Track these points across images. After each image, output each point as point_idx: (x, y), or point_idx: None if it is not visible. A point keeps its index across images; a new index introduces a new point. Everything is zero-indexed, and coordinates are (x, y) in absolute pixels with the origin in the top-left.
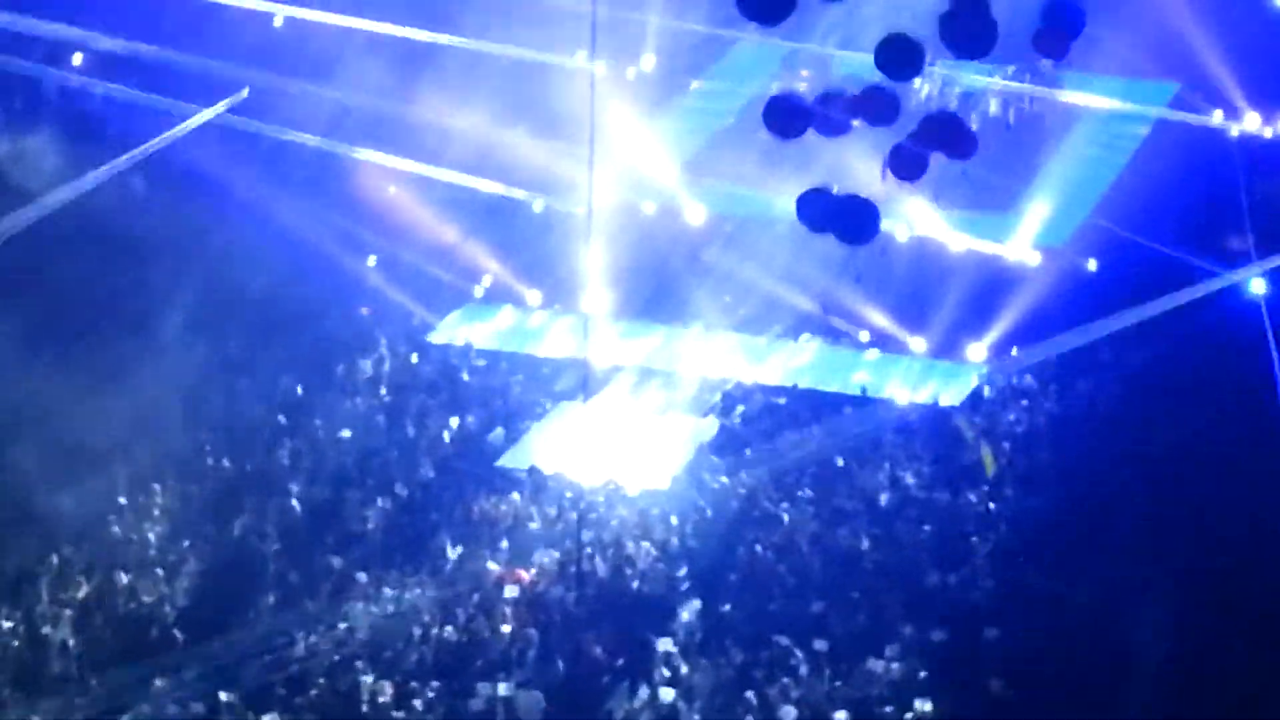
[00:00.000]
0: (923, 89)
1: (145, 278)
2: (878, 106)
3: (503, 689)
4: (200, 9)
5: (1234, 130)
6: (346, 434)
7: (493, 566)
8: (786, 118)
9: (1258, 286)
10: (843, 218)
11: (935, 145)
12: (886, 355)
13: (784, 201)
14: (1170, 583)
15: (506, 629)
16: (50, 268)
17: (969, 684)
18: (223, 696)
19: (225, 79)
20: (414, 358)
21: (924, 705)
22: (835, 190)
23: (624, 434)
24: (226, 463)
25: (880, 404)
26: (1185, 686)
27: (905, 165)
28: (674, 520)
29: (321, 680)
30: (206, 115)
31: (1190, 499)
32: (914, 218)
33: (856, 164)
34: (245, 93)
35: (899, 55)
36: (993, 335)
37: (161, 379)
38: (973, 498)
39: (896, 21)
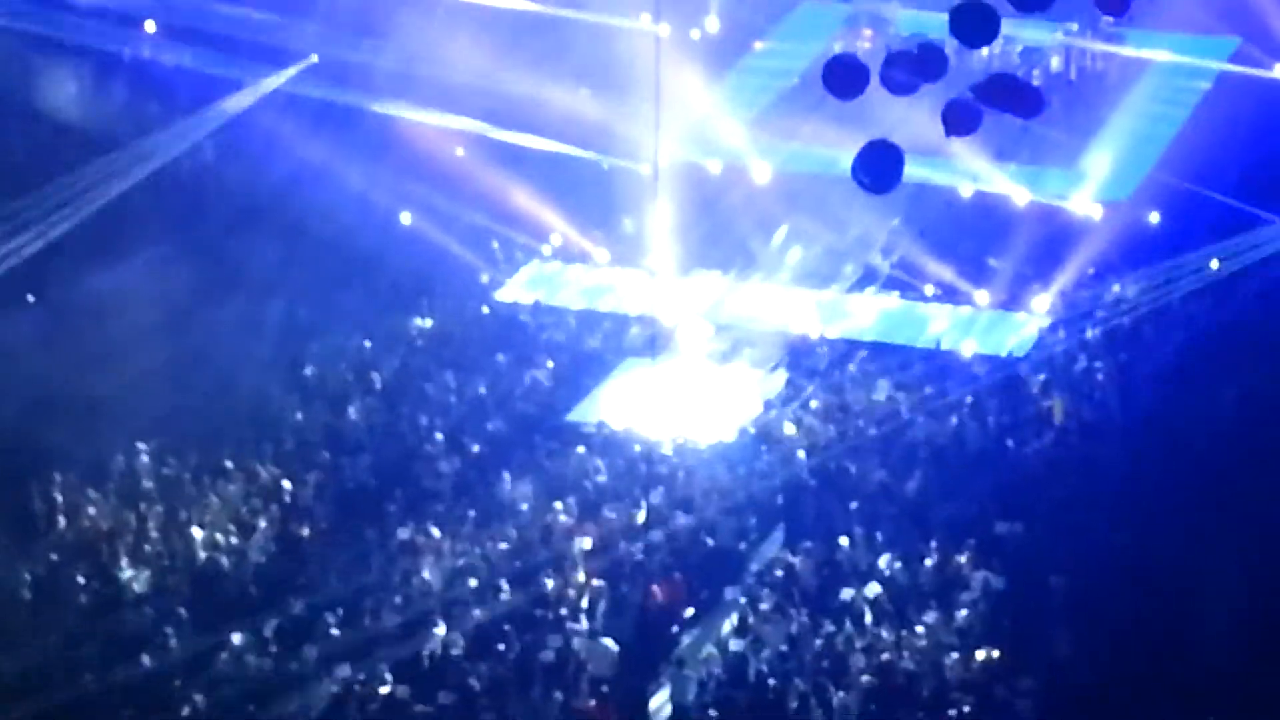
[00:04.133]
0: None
1: (215, 240)
2: (929, 63)
3: (575, 641)
4: None
5: None
6: (417, 390)
7: (564, 519)
8: (845, 78)
9: None
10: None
11: (1001, 105)
12: (952, 307)
13: (849, 158)
14: (1236, 534)
15: (578, 581)
16: (119, 231)
17: (1036, 632)
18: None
19: (294, 44)
20: (484, 315)
21: (991, 653)
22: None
23: (692, 388)
24: (299, 417)
25: (946, 355)
26: (1250, 640)
27: (959, 119)
28: (742, 473)
29: (394, 633)
30: (275, 81)
31: (1253, 450)
32: (979, 173)
33: (919, 119)
34: (314, 58)
35: (973, 21)
36: (1056, 288)
37: (230, 336)
38: (1039, 448)
39: None
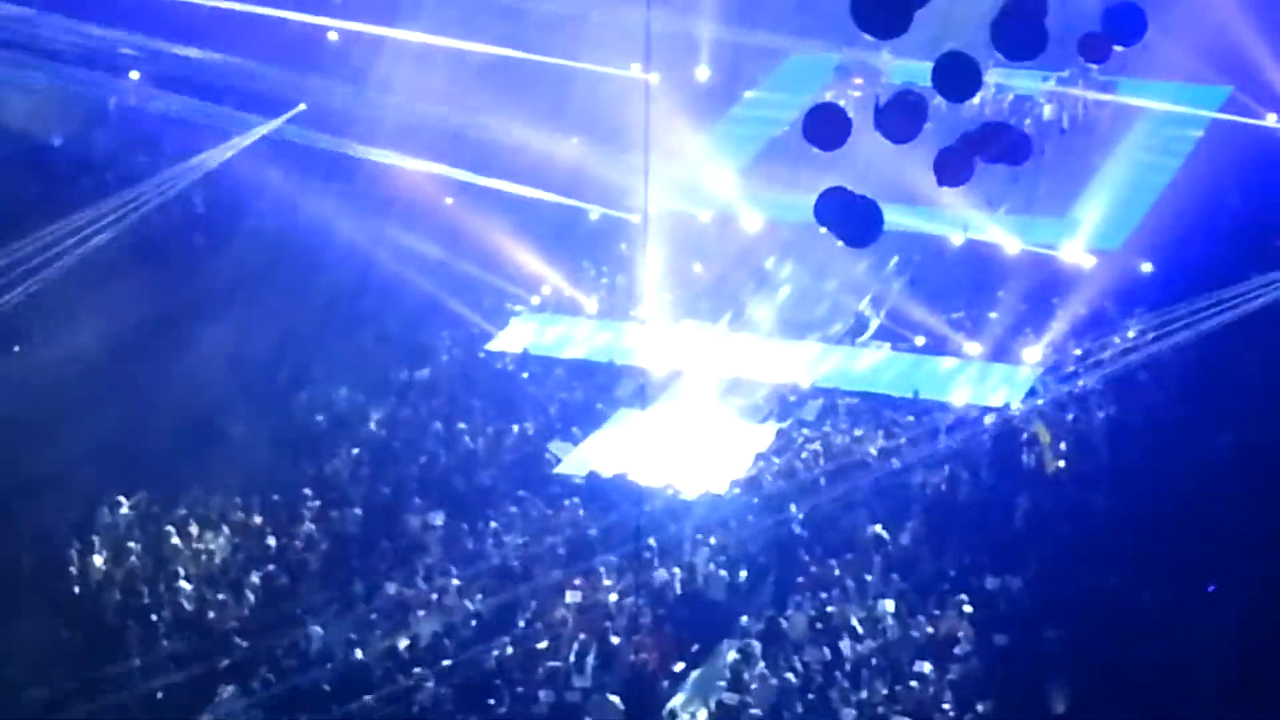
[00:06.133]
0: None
1: (204, 289)
2: (917, 110)
3: (567, 695)
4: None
5: None
6: (405, 442)
7: (553, 572)
8: (826, 128)
9: None
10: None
11: (991, 153)
12: (942, 358)
13: None
14: (1229, 585)
15: (568, 634)
16: (107, 282)
17: (1030, 687)
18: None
19: (283, 92)
20: (473, 366)
21: (984, 707)
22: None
23: (682, 440)
24: (285, 470)
25: (936, 407)
26: (1247, 691)
27: (951, 169)
28: (733, 525)
29: (383, 687)
30: (264, 129)
31: (1247, 499)
32: (969, 222)
33: (910, 168)
34: (302, 106)
35: (955, 74)
36: (1048, 338)
37: (218, 388)
38: (1031, 499)
39: (947, 25)
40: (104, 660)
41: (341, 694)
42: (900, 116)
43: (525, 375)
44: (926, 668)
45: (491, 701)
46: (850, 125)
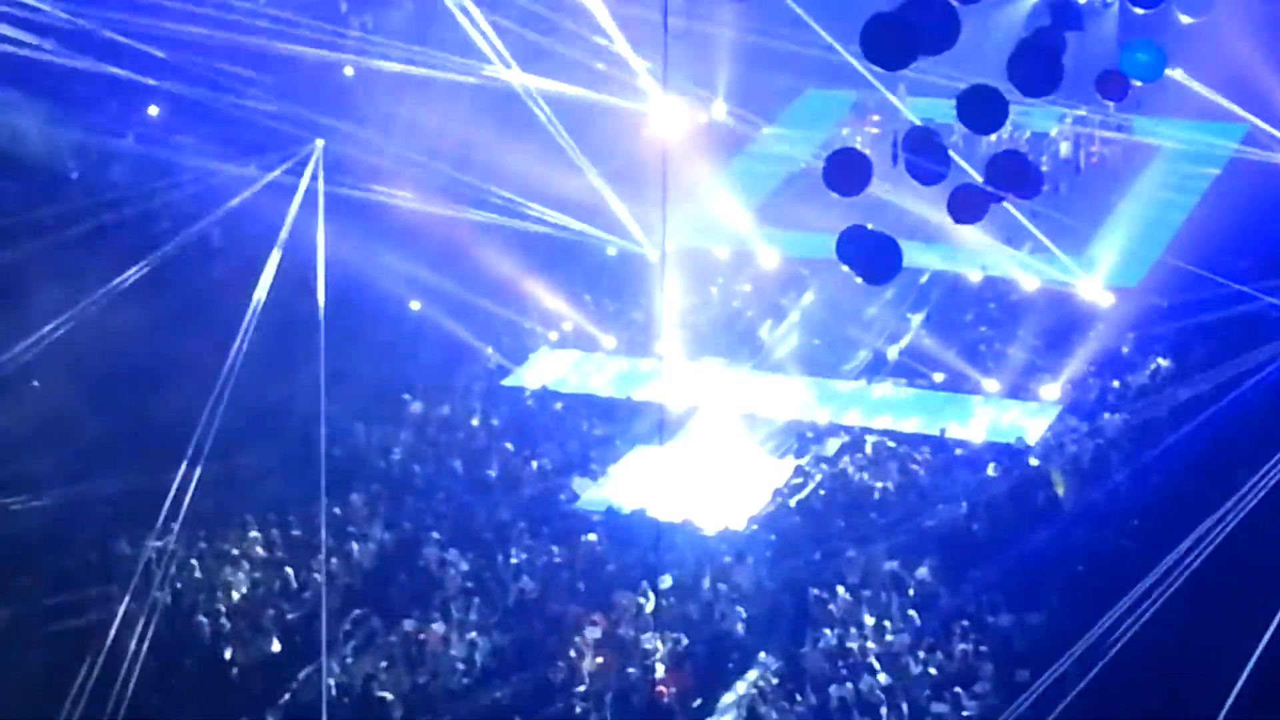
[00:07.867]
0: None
1: (221, 326)
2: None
3: None
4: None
5: None
6: (423, 477)
7: (572, 607)
8: (847, 173)
9: None
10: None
11: (1002, 184)
12: (960, 395)
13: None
14: (1248, 626)
15: (586, 669)
16: (120, 317)
17: None
18: None
19: (299, 131)
20: (491, 401)
21: None
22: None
23: (700, 476)
24: (304, 505)
25: (954, 443)
26: None
27: (966, 206)
28: (750, 561)
29: None
30: (282, 168)
31: (1264, 539)
32: (987, 259)
33: (926, 206)
34: (320, 144)
35: (981, 106)
36: (1066, 375)
37: (236, 426)
38: (1049, 536)
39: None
40: (121, 697)
41: None
42: (927, 159)
43: (543, 411)
44: (943, 706)
45: None
46: (871, 170)
